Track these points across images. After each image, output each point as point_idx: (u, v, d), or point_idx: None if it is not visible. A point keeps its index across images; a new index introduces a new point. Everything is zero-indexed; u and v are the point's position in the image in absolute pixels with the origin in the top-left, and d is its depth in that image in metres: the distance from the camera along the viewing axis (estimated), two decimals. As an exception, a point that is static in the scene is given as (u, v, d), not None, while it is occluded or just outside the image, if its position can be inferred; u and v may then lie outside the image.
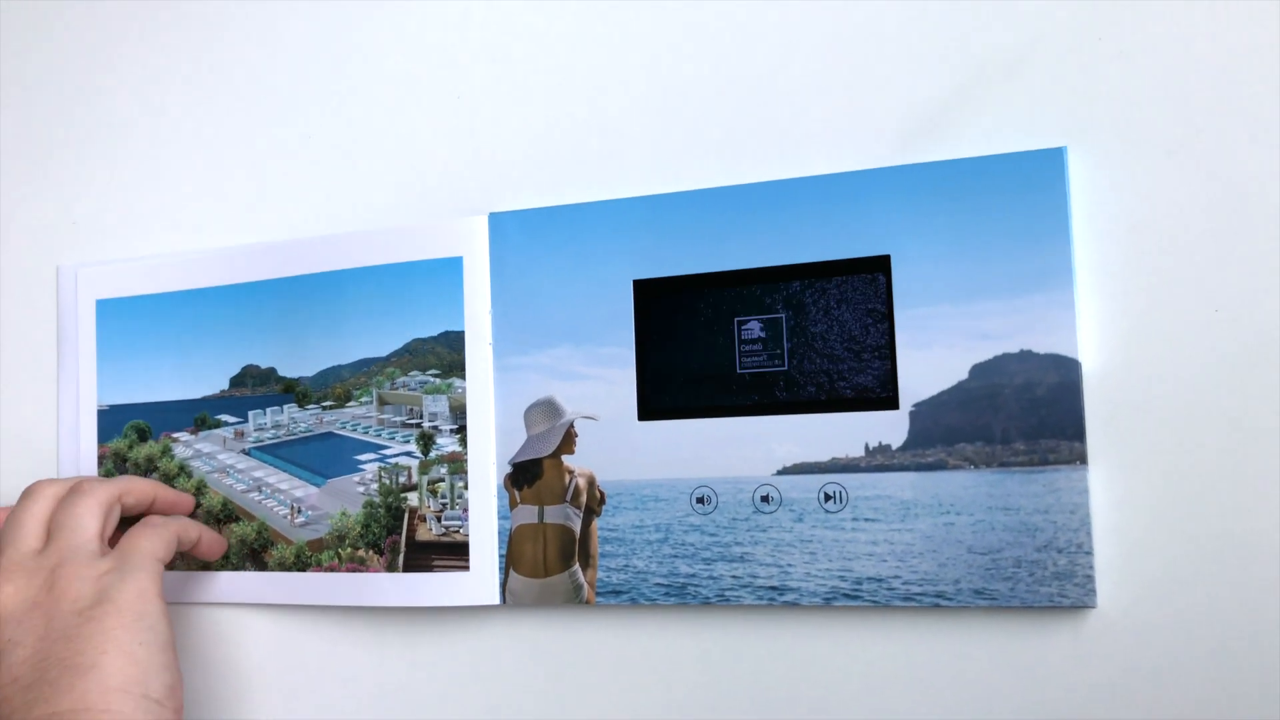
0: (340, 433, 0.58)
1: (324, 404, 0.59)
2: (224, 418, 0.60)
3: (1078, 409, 0.46)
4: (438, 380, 0.55)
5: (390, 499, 0.56)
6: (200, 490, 0.60)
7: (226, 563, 0.58)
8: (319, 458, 0.58)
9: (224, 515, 0.60)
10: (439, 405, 0.55)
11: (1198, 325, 0.45)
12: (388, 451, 0.57)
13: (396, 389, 0.57)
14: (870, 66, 0.51)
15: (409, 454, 0.57)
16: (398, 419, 0.57)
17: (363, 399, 0.58)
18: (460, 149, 0.58)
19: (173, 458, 0.61)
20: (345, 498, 0.57)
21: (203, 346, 0.60)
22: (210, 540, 0.56)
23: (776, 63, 0.52)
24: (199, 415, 0.61)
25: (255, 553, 0.59)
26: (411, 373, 0.56)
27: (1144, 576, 0.45)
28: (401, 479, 0.57)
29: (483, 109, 0.58)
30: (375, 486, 0.57)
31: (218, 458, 0.61)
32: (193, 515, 0.59)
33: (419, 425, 0.56)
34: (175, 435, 0.61)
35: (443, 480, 0.55)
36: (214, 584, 0.58)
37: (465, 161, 0.58)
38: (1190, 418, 0.45)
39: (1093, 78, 0.47)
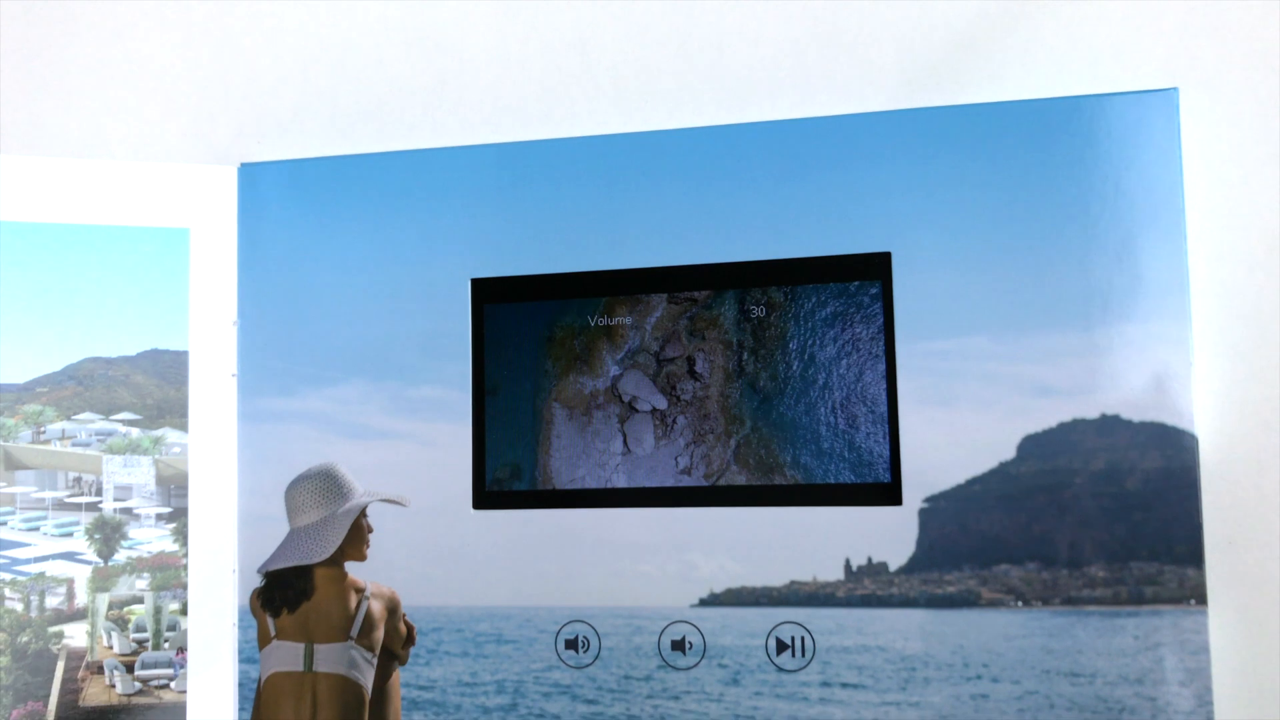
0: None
1: None
2: None
3: (1193, 513, 0.38)
4: (134, 430, 0.47)
5: (26, 638, 0.47)
6: None
7: None
8: None
9: None
10: (136, 473, 0.47)
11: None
12: (22, 553, 0.47)
13: (45, 441, 0.47)
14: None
15: (70, 556, 0.47)
16: (44, 494, 0.47)
17: (-39, 456, 0.48)
18: (201, 65, 0.47)
19: None
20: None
21: None
22: None
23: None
24: None
25: None
26: (80, 415, 0.47)
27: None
28: (54, 601, 0.47)
29: (239, 9, 0.47)
30: (-5, 613, 0.47)
31: None
32: None
33: (95, 507, 0.47)
34: None
35: (140, 602, 0.46)
36: None
37: (208, 85, 0.47)
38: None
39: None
